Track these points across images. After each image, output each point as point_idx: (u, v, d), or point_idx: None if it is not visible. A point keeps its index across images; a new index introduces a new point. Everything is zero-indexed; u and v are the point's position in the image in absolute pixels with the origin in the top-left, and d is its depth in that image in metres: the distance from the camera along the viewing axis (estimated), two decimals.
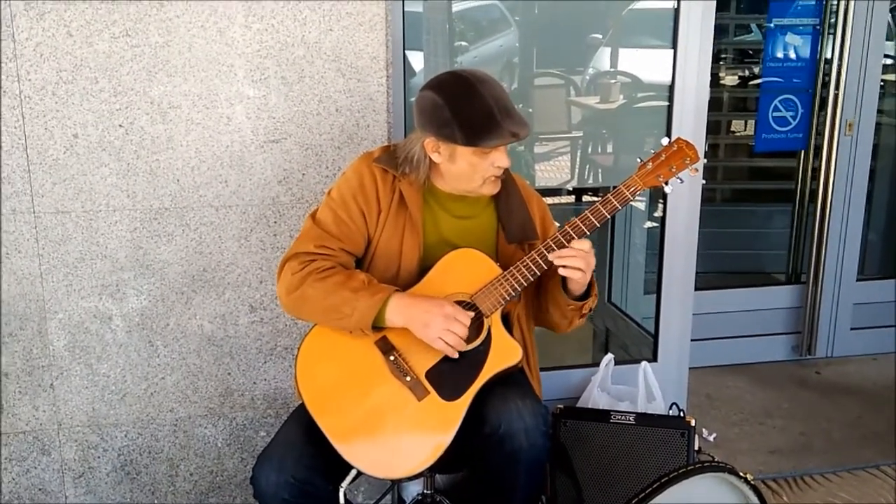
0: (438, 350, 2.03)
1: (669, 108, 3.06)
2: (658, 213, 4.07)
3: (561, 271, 2.05)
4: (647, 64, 3.42)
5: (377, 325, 2.03)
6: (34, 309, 2.51)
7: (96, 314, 2.55)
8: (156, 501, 2.73)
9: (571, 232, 2.05)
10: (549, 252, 2.05)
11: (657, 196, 3.83)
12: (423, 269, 2.14)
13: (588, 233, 2.05)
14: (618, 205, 2.06)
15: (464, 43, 3.36)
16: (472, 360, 2.05)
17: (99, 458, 2.66)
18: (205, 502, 2.76)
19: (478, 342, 2.06)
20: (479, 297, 2.08)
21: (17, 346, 2.53)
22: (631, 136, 3.55)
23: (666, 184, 2.09)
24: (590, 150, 3.71)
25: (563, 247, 2.05)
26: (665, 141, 2.10)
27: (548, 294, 2.19)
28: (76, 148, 2.43)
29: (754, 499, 1.98)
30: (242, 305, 2.63)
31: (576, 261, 2.03)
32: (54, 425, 2.61)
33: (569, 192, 4.40)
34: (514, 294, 2.08)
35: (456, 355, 2.03)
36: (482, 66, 3.23)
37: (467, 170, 2.07)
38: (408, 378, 2.04)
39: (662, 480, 1.95)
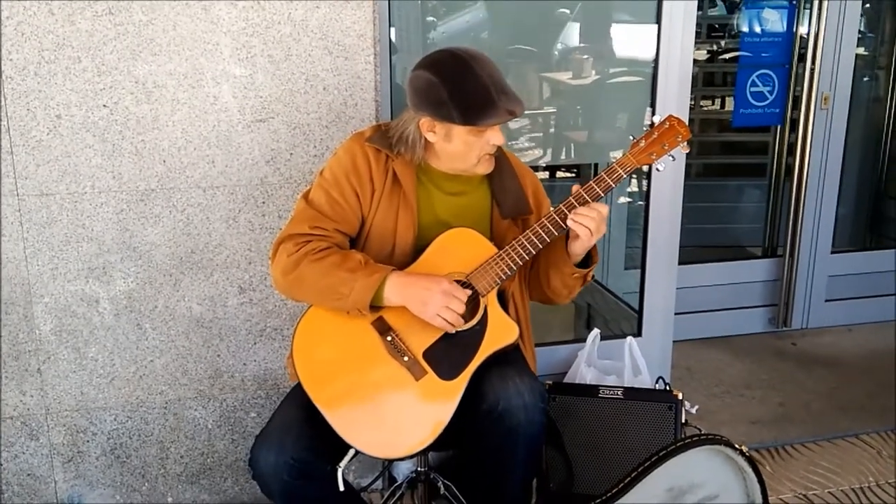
0: (437, 327, 2.03)
1: (654, 83, 3.07)
2: (633, 189, 4.10)
3: (571, 223, 2.04)
4: (619, 39, 3.41)
5: (374, 305, 2.03)
6: (19, 293, 2.47)
7: (83, 297, 2.51)
8: (146, 484, 2.71)
9: (566, 211, 2.05)
10: (545, 233, 2.06)
11: (634, 172, 3.84)
12: (418, 248, 2.14)
13: None
14: (612, 183, 2.07)
15: (432, 18, 3.33)
16: (470, 339, 2.05)
17: (88, 442, 2.63)
18: (196, 484, 2.75)
19: (474, 321, 2.07)
20: (474, 277, 2.08)
21: (3, 330, 2.49)
22: (604, 112, 3.56)
23: (657, 161, 2.11)
24: (563, 126, 3.71)
25: (560, 227, 2.06)
26: (657, 119, 2.11)
27: (550, 263, 2.19)
28: (60, 129, 2.38)
29: (750, 470, 2.03)
30: (231, 287, 2.61)
31: (589, 220, 2.03)
32: (42, 410, 2.58)
33: (544, 169, 4.40)
34: (509, 273, 2.08)
35: (454, 331, 2.04)
36: (452, 41, 3.19)
37: (463, 148, 2.07)
38: (405, 358, 2.04)
39: (661, 454, 1.98)
